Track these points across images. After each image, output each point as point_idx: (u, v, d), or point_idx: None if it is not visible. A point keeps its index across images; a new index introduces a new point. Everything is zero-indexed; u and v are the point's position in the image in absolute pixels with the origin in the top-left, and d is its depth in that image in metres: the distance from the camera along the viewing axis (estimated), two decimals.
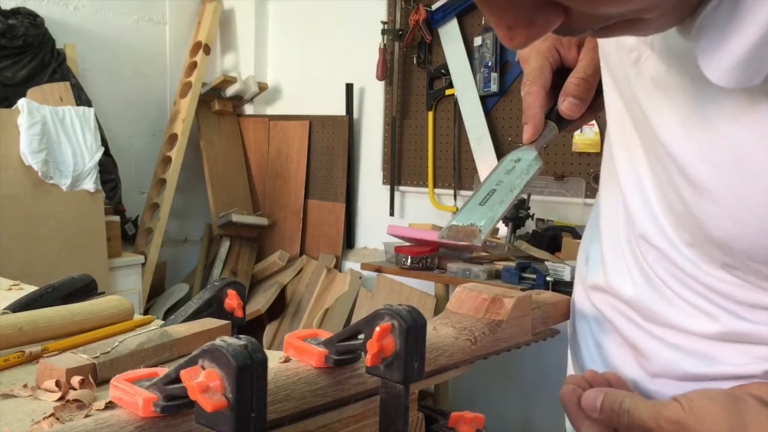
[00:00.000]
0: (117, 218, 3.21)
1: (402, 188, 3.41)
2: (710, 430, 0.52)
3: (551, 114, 0.71)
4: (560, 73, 0.73)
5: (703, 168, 0.54)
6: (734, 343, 0.62)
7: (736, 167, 0.52)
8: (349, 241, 3.60)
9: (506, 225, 2.69)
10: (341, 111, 3.56)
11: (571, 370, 0.86)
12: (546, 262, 2.44)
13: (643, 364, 0.69)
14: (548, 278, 2.33)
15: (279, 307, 3.50)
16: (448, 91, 3.14)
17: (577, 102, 0.70)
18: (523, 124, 0.71)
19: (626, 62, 0.61)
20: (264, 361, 0.41)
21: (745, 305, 0.60)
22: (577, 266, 0.85)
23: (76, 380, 0.61)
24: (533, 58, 0.72)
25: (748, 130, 0.50)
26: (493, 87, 2.95)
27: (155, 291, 3.61)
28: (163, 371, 0.45)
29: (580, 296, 0.82)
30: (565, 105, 0.70)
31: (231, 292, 0.80)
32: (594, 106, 0.74)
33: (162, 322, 0.81)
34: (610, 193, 0.74)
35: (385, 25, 3.26)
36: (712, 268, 0.60)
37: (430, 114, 3.22)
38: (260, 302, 3.43)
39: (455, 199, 3.18)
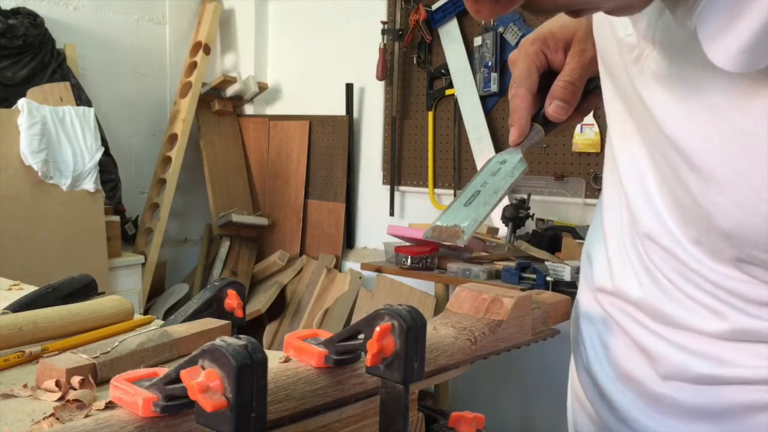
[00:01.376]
0: (117, 218, 3.21)
1: (402, 188, 3.40)
2: None
3: (538, 116, 0.72)
4: (547, 76, 0.73)
5: (710, 157, 0.54)
6: (745, 342, 0.61)
7: (745, 154, 0.52)
8: (349, 241, 3.60)
9: (506, 225, 2.69)
10: (341, 111, 3.56)
11: (573, 372, 0.86)
12: (546, 262, 2.44)
13: (654, 367, 0.69)
14: (548, 278, 2.33)
15: (279, 307, 3.50)
16: (448, 91, 3.14)
17: (564, 105, 0.71)
18: (510, 126, 0.71)
19: (627, 61, 0.61)
20: (264, 361, 0.41)
21: (754, 303, 0.59)
22: (581, 267, 0.85)
23: (76, 380, 0.61)
24: (521, 61, 0.73)
25: (757, 117, 0.50)
26: (493, 87, 2.95)
27: (155, 291, 3.60)
28: (163, 371, 0.45)
29: (585, 297, 0.81)
30: (552, 108, 0.71)
31: (231, 292, 0.80)
32: (581, 108, 0.74)
33: (162, 322, 0.81)
34: (613, 194, 0.74)
35: (385, 25, 3.26)
36: (719, 265, 0.60)
37: (430, 114, 3.22)
38: (260, 302, 3.43)
39: None
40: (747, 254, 0.57)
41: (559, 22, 0.73)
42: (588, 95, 0.74)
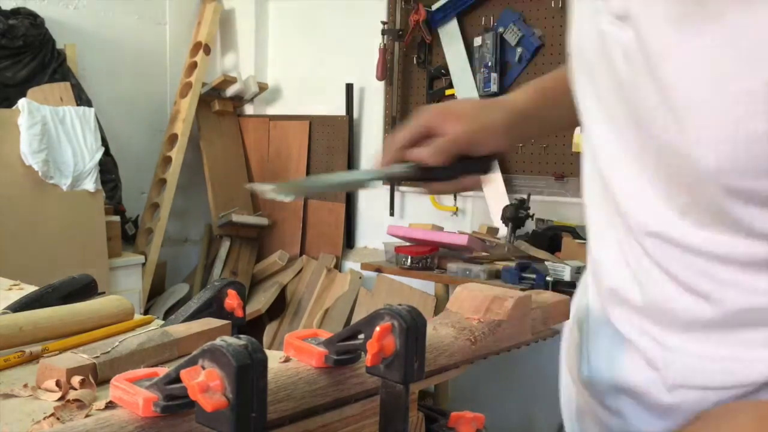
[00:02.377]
0: (117, 218, 3.21)
1: (402, 188, 3.40)
2: None
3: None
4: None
5: (687, 82, 0.54)
6: (744, 330, 0.60)
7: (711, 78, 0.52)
8: (349, 241, 3.60)
9: (506, 225, 2.69)
10: (341, 111, 3.56)
11: (564, 373, 0.86)
12: (546, 262, 2.44)
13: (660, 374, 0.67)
14: (548, 278, 2.33)
15: (279, 307, 3.50)
16: (448, 91, 3.14)
17: (426, 155, 0.78)
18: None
19: (606, 21, 0.60)
20: (264, 361, 0.41)
21: (752, 266, 0.57)
22: (587, 265, 0.85)
23: (76, 380, 0.61)
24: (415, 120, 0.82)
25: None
26: (493, 87, 2.95)
27: (155, 291, 3.60)
28: (163, 371, 0.45)
29: (591, 294, 0.81)
30: (415, 153, 0.79)
31: (231, 292, 0.80)
32: (462, 182, 0.83)
33: (162, 322, 0.81)
34: (593, 188, 0.73)
35: (385, 25, 3.26)
36: (711, 232, 0.58)
37: None
38: (260, 302, 3.43)
39: (455, 199, 3.18)
40: (737, 191, 0.54)
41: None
42: (471, 174, 0.83)
